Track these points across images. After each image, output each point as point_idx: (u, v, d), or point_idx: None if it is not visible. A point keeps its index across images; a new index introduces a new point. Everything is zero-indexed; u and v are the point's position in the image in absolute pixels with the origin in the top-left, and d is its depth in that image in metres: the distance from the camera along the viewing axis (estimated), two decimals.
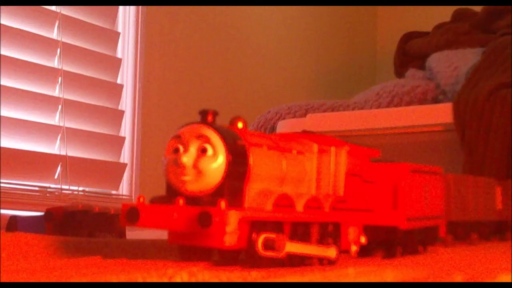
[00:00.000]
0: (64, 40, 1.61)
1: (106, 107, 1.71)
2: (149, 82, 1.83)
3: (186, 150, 0.60)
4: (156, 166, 1.78)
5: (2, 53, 1.47)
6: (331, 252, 0.65)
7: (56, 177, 1.55)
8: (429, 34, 2.10)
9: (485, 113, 1.41)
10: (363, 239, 0.73)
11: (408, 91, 1.65)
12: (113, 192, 1.72)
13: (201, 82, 2.00)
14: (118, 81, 1.77)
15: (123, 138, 1.75)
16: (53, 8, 1.61)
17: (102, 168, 1.66)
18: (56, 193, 1.54)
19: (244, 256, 0.61)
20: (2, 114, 1.45)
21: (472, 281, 0.51)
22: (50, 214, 0.96)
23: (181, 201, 0.58)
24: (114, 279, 0.47)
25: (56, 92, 1.59)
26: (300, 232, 0.64)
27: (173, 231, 0.62)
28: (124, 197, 1.73)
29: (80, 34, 1.67)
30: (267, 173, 0.63)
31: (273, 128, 1.73)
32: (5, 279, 0.48)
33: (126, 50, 1.79)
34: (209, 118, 0.61)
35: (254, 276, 0.53)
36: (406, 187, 0.80)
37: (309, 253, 0.63)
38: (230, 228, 0.56)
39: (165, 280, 0.49)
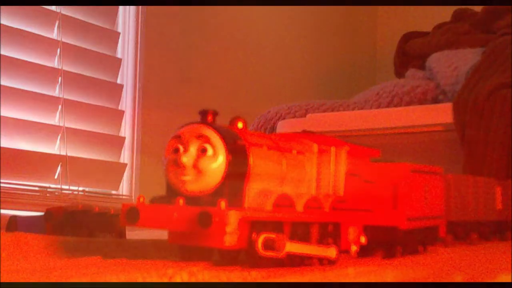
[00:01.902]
0: (64, 40, 1.61)
1: (106, 107, 1.71)
2: (149, 82, 1.83)
3: (186, 150, 0.60)
4: (156, 166, 1.77)
5: (2, 53, 1.47)
6: (331, 252, 0.65)
7: (56, 177, 1.55)
8: (429, 34, 2.10)
9: (485, 113, 1.41)
10: (363, 239, 0.73)
11: (408, 91, 1.64)
12: (113, 192, 1.72)
13: (201, 82, 2.00)
14: (118, 81, 1.77)
15: (123, 138, 1.75)
16: (53, 8, 1.61)
17: (102, 168, 1.66)
18: (56, 193, 1.54)
19: (244, 256, 0.61)
20: (2, 114, 1.45)
21: (472, 281, 0.51)
22: (50, 214, 0.96)
23: (181, 201, 0.58)
24: (114, 279, 0.48)
25: (56, 92, 1.59)
26: (300, 232, 0.64)
27: (173, 231, 0.62)
28: (124, 197, 1.73)
29: (80, 34, 1.67)
30: (267, 173, 0.63)
31: (273, 128, 1.73)
32: (5, 279, 0.48)
33: (126, 50, 1.79)
34: (209, 118, 0.61)
35: (254, 276, 0.53)
36: (406, 187, 0.80)
37: (309, 253, 0.63)
38: (230, 228, 0.56)
39: (165, 280, 0.49)
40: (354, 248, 0.72)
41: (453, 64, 1.66)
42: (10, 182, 1.46)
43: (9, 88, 1.48)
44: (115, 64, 1.76)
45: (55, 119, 1.58)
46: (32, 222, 1.02)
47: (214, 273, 0.52)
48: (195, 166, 0.59)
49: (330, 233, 0.68)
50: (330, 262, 0.66)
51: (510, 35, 1.71)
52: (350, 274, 0.54)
